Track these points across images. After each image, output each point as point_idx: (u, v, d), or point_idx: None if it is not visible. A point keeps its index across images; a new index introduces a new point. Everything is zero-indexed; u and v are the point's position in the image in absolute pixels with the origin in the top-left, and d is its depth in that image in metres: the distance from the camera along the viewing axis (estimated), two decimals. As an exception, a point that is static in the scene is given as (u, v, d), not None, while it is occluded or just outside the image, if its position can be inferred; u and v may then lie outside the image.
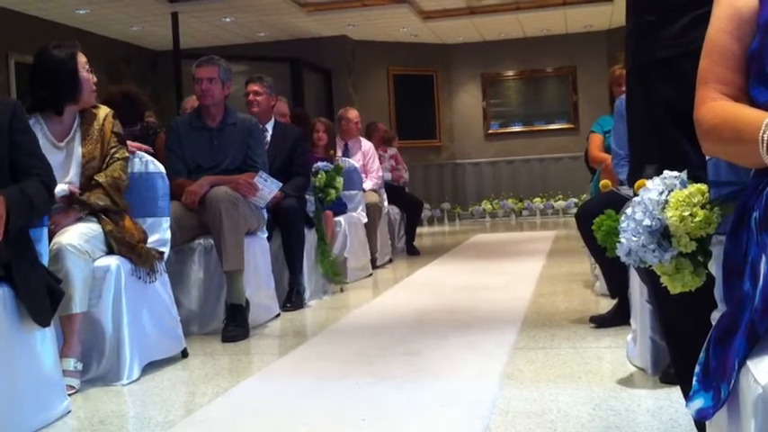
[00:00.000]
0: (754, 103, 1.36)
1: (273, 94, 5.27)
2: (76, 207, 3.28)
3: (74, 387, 3.05)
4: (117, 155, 3.45)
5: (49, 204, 2.76)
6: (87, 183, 3.35)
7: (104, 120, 3.46)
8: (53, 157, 3.31)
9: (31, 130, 2.85)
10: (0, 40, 8.32)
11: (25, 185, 2.64)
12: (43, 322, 2.65)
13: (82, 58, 3.40)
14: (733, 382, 1.17)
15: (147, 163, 3.65)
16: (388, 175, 8.10)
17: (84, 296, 3.11)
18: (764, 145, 1.23)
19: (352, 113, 7.52)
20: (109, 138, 3.44)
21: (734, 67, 1.41)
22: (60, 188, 3.27)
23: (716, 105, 1.39)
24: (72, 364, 3.08)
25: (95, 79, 3.46)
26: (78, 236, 3.15)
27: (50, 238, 3.01)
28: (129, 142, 3.62)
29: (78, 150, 3.38)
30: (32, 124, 3.36)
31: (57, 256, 3.03)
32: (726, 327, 1.26)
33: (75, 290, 3.06)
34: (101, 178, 3.35)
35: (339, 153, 6.86)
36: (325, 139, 6.35)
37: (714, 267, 1.48)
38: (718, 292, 1.46)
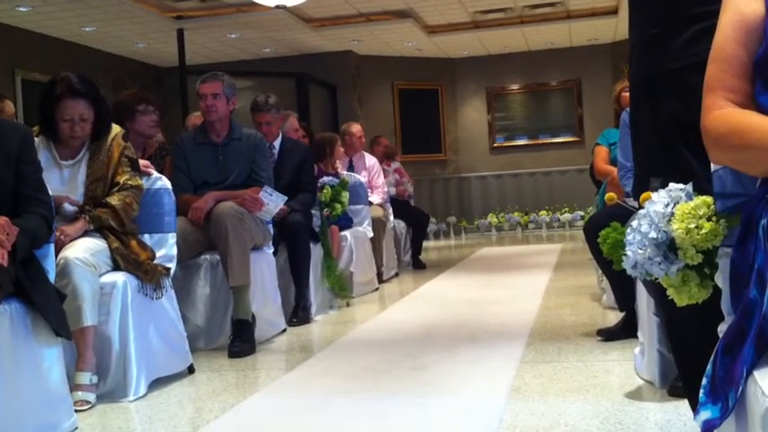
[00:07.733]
0: (761, 109, 1.36)
1: (281, 113, 5.27)
2: (86, 217, 3.28)
3: (89, 402, 3.04)
4: (130, 182, 3.41)
5: (48, 237, 2.77)
6: (92, 203, 3.33)
7: (113, 140, 3.42)
8: (55, 174, 3.32)
9: (37, 159, 2.82)
10: (7, 57, 8.37)
11: (29, 220, 2.64)
12: (67, 335, 2.70)
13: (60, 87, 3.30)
14: (741, 389, 1.17)
15: (153, 179, 3.66)
16: (393, 190, 8.10)
17: (93, 308, 3.11)
18: None
19: (356, 128, 7.50)
20: (117, 160, 3.40)
21: (741, 75, 1.40)
22: (71, 209, 3.27)
23: (723, 113, 1.39)
24: (88, 377, 3.08)
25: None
26: (84, 249, 3.16)
27: (56, 249, 3.02)
28: (140, 161, 3.61)
29: (84, 170, 3.38)
30: (42, 139, 3.37)
31: (64, 270, 3.04)
32: (733, 335, 1.26)
33: (85, 302, 3.06)
34: (113, 200, 3.33)
35: (344, 168, 6.86)
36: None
37: (721, 279, 1.47)
38: (725, 304, 1.45)
